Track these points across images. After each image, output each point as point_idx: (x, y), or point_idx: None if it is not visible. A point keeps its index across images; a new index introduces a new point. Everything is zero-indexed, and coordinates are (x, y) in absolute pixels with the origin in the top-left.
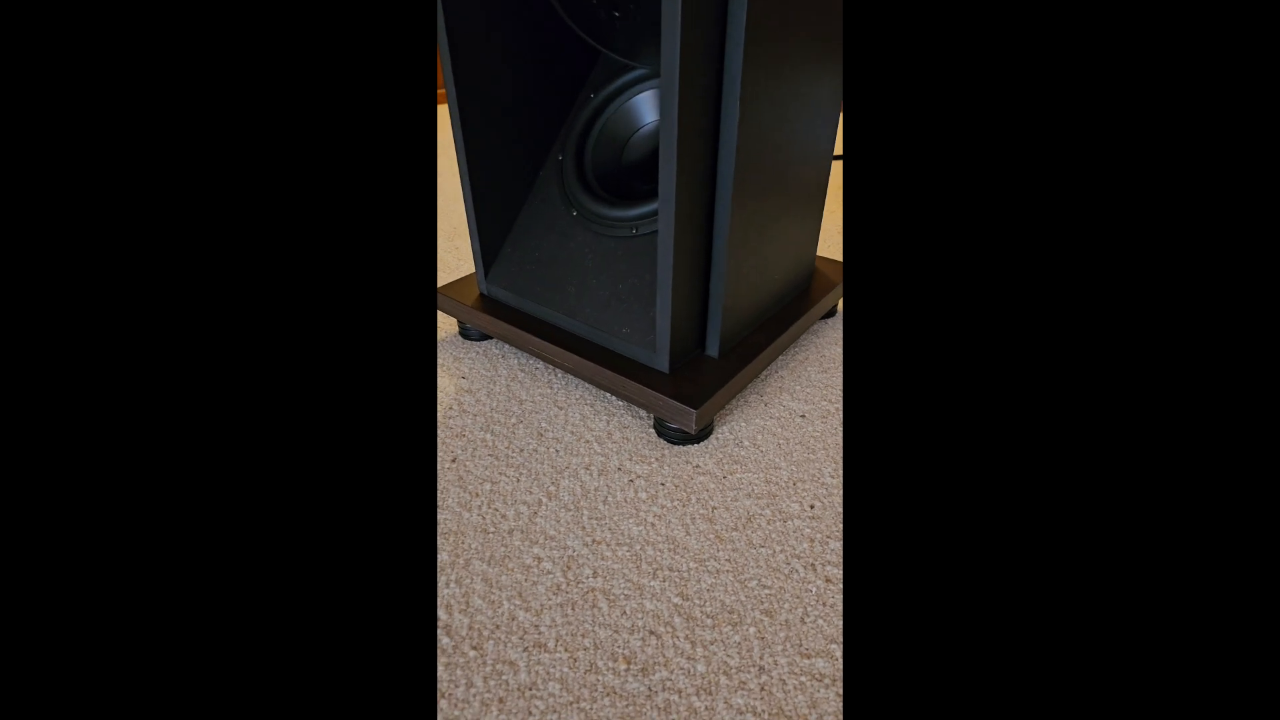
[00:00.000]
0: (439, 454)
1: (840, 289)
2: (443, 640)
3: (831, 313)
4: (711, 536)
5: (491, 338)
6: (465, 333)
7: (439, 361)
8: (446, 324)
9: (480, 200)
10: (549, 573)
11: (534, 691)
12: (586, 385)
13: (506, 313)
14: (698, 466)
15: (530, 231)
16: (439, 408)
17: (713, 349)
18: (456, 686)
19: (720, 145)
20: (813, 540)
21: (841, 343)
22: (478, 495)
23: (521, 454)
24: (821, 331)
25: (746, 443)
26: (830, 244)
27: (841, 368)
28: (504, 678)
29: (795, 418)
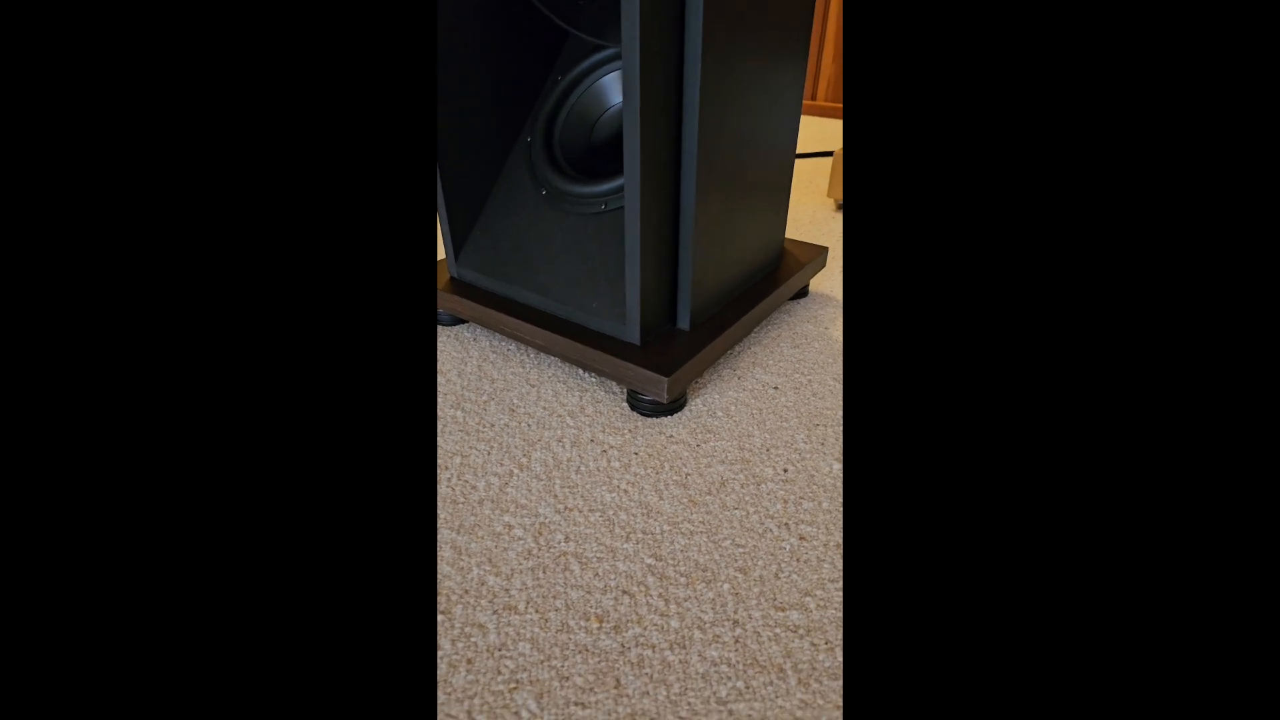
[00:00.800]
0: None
1: (808, 271)
2: None
3: (803, 293)
4: (685, 501)
5: (464, 322)
6: (437, 318)
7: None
8: None
9: (449, 185)
10: (519, 539)
11: (503, 652)
12: (559, 364)
13: (478, 295)
14: (671, 436)
15: (500, 214)
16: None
17: (683, 322)
18: None
19: (684, 119)
20: (786, 501)
21: (814, 320)
22: (446, 469)
23: (492, 429)
24: (793, 310)
25: (720, 413)
26: (798, 231)
27: (814, 344)
28: (472, 639)
29: (768, 390)
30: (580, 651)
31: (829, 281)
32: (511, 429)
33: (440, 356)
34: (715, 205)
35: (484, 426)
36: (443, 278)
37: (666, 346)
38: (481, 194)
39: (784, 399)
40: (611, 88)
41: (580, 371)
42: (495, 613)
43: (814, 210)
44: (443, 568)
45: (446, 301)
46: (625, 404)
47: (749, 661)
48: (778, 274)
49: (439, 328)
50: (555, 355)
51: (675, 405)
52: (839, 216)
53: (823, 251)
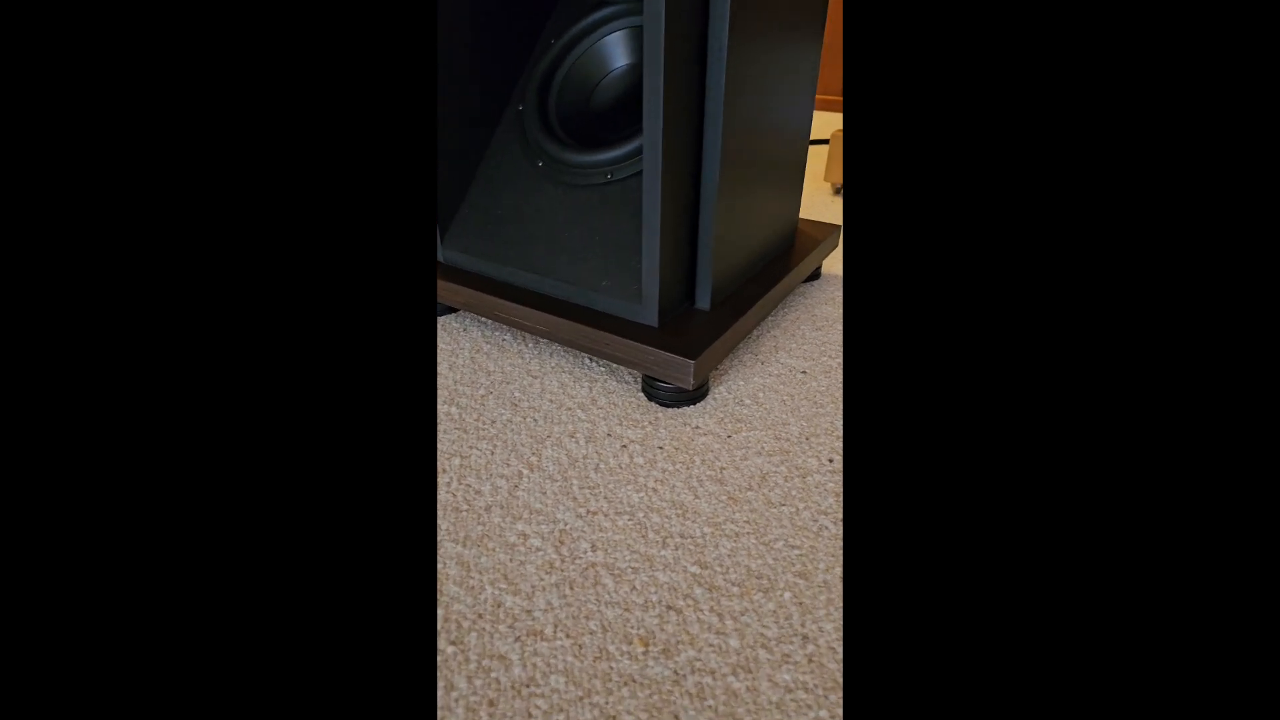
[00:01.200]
0: None
1: (823, 249)
2: None
3: (815, 275)
4: (724, 498)
5: (453, 310)
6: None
7: None
8: None
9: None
10: (538, 550)
11: (532, 689)
12: (563, 352)
13: (468, 279)
14: (697, 427)
15: (489, 190)
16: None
17: (703, 301)
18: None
19: (708, 80)
20: (837, 495)
21: (833, 302)
22: (444, 471)
23: (494, 426)
24: (808, 293)
25: (748, 401)
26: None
27: (837, 326)
28: (493, 675)
29: (796, 374)
30: (627, 683)
31: (841, 264)
32: (515, 425)
33: None
34: (737, 175)
35: (484, 424)
36: None
37: (687, 327)
38: (467, 168)
39: (815, 383)
40: (614, 49)
41: (587, 360)
42: (518, 640)
43: (811, 194)
44: (449, 587)
45: None
46: (641, 394)
47: (830, 684)
48: (792, 253)
49: None
50: (560, 342)
51: (698, 393)
52: (838, 200)
53: (835, 230)
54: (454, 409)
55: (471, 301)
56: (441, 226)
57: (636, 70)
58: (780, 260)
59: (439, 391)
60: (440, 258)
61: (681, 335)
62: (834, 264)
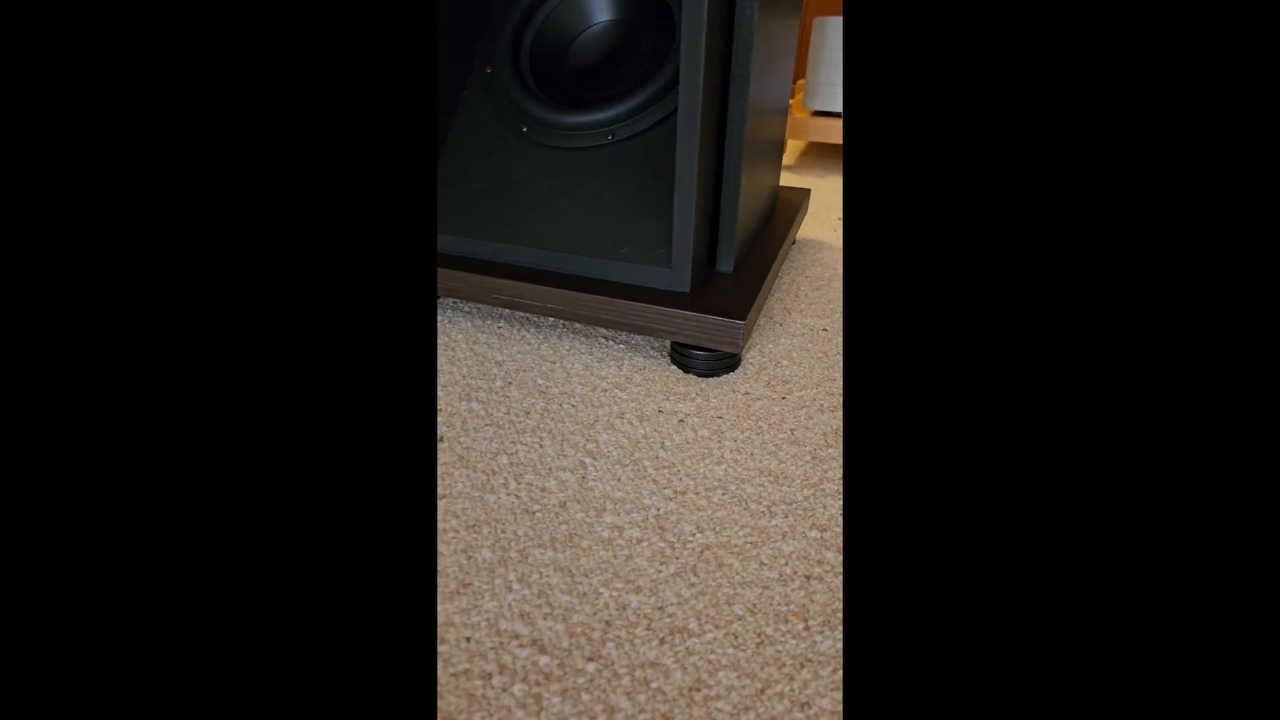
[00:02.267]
0: None
1: (803, 212)
2: (540, 662)
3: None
4: (808, 459)
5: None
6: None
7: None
8: None
9: None
10: (640, 540)
11: (704, 691)
12: (571, 332)
13: (450, 262)
14: (748, 393)
15: (462, 161)
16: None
17: (725, 264)
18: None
19: (735, 44)
20: None
21: (820, 263)
22: (495, 472)
23: (529, 417)
24: (792, 256)
25: (785, 362)
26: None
27: (834, 284)
28: (654, 685)
29: (818, 332)
30: (803, 664)
31: (809, 226)
32: (554, 414)
33: None
34: (752, 138)
35: (517, 416)
36: None
37: (720, 290)
38: (436, 141)
39: (840, 339)
40: (589, 3)
41: (602, 337)
42: (663, 642)
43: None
44: (558, 598)
45: None
46: (672, 366)
47: None
48: (777, 217)
49: None
50: (576, 319)
51: (732, 360)
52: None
53: (806, 194)
54: (475, 404)
55: (458, 286)
56: None
57: (620, 27)
58: (772, 223)
59: (450, 389)
60: None
61: (721, 298)
62: (807, 228)
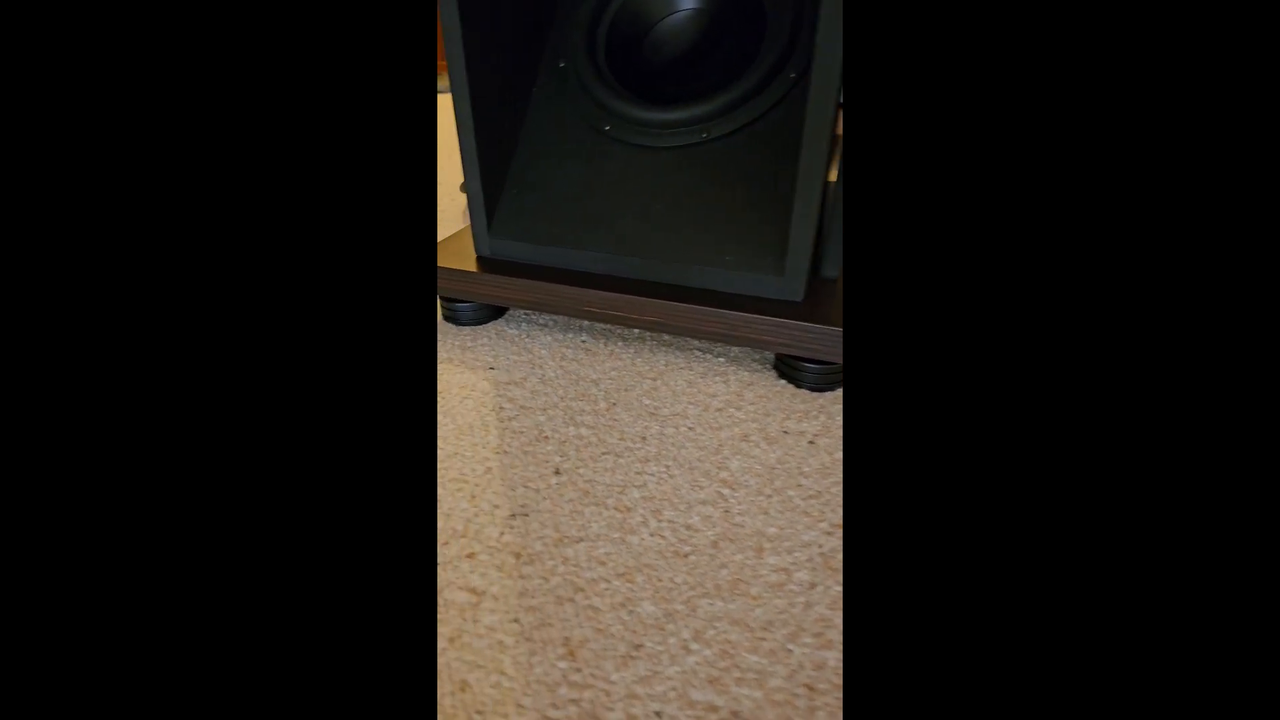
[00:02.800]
0: (532, 468)
1: None
2: None
3: None
4: None
5: (502, 313)
6: (454, 315)
7: (440, 355)
8: None
9: (482, 129)
10: (815, 585)
11: None
12: (663, 345)
13: (526, 271)
14: None
15: (539, 164)
16: (487, 412)
17: (831, 269)
18: None
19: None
20: None
21: None
22: (629, 509)
23: (646, 442)
24: None
25: None
26: None
27: None
28: None
29: None
30: None
31: None
32: (671, 438)
33: (498, 361)
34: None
35: (632, 442)
36: (464, 259)
37: (830, 299)
38: (506, 142)
39: None
40: None
41: (697, 350)
42: None
43: None
44: (744, 658)
45: (482, 289)
46: (781, 381)
47: None
48: None
49: (459, 328)
50: (675, 331)
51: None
52: None
53: None
54: (583, 429)
55: (544, 299)
56: (488, 211)
57: (706, 15)
58: None
59: (551, 410)
60: (484, 251)
61: (836, 306)
62: None
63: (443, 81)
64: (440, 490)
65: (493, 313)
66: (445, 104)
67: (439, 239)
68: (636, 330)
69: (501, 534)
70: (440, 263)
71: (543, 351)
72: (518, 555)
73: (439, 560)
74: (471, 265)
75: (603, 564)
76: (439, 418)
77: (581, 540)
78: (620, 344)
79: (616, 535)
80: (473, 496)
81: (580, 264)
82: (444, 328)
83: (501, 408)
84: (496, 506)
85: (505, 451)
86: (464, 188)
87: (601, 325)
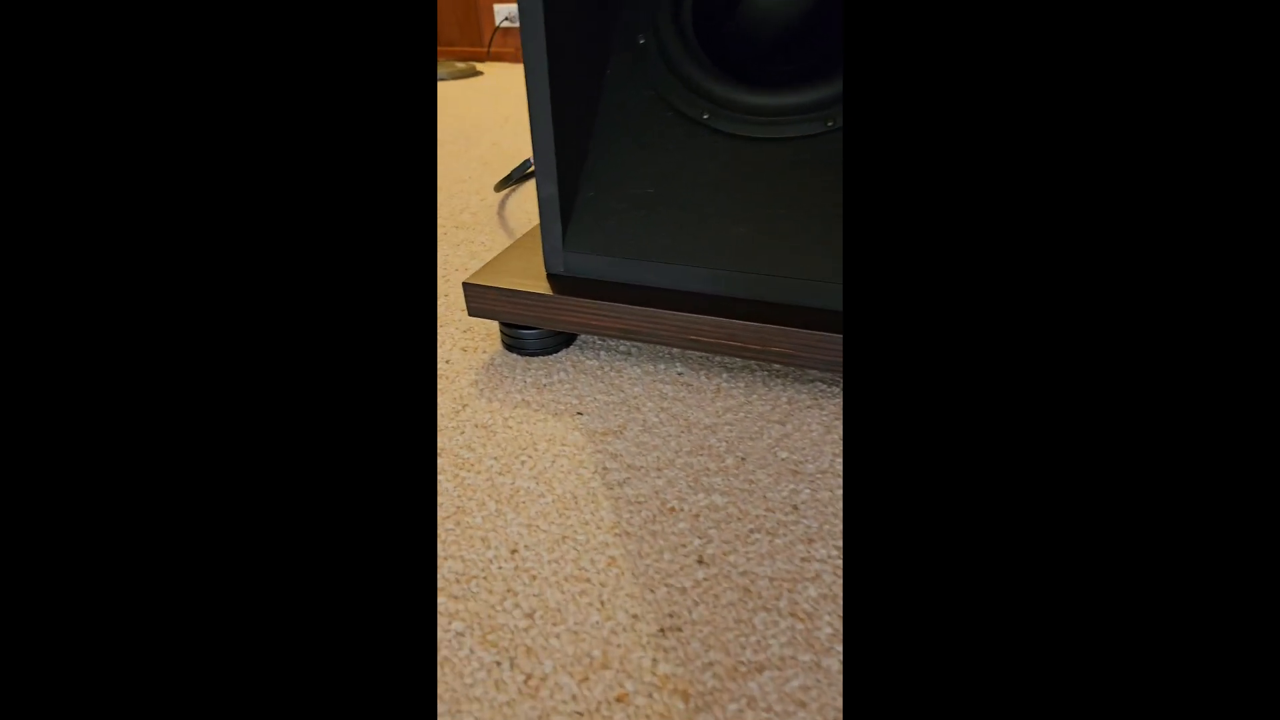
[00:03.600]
0: (669, 557)
1: None
2: None
3: None
4: None
5: (568, 343)
6: (518, 344)
7: (509, 397)
8: (476, 336)
9: (560, 118)
10: None
11: None
12: (776, 376)
13: (620, 293)
14: None
15: (620, 161)
16: (589, 475)
17: None
18: None
19: None
20: None
21: None
22: (811, 615)
23: (799, 513)
24: None
25: None
26: None
27: None
28: None
29: None
30: None
31: None
32: (827, 506)
33: (587, 404)
34: None
35: (783, 514)
36: (532, 279)
37: None
38: (580, 136)
39: None
40: None
41: (820, 383)
42: None
43: None
44: None
45: (560, 314)
46: None
47: None
48: None
49: (523, 358)
50: (808, 364)
51: None
52: None
53: None
54: (716, 497)
55: (633, 325)
56: (564, 219)
57: None
58: None
59: (672, 473)
60: (557, 269)
61: None
62: None
63: (441, 69)
64: (558, 593)
65: (564, 339)
66: (444, 95)
67: (497, 253)
68: (739, 359)
69: (655, 662)
70: (498, 283)
71: (635, 389)
72: (685, 696)
73: (579, 707)
74: (543, 286)
75: (803, 705)
76: (530, 482)
77: (765, 669)
78: (724, 376)
79: (808, 658)
80: (602, 603)
81: (681, 282)
82: (508, 360)
83: (606, 468)
84: (636, 618)
85: (626, 533)
86: (499, 186)
87: (696, 354)
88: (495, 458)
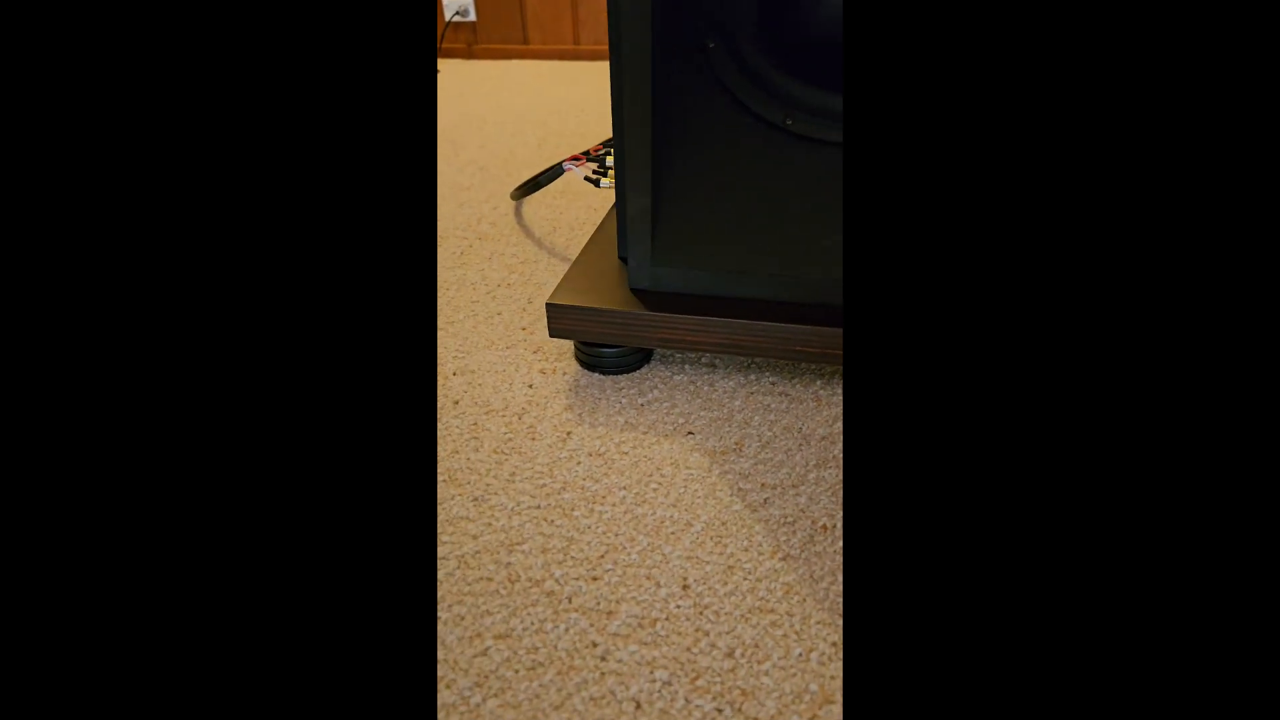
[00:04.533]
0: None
1: None
2: None
3: None
4: None
5: (647, 359)
6: (597, 362)
7: (612, 420)
8: (549, 356)
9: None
10: None
11: None
12: None
13: (713, 306)
14: None
15: (700, 169)
16: (728, 497)
17: None
18: None
19: None
20: None
21: None
22: None
23: None
24: None
25: None
26: None
27: None
28: None
29: None
30: None
31: None
32: None
33: (695, 422)
34: None
35: None
36: (610, 295)
37: None
38: (658, 142)
39: None
40: None
41: None
42: None
43: None
44: None
45: (650, 331)
46: None
47: None
48: None
49: (607, 379)
50: None
51: None
52: None
53: None
54: None
55: (735, 339)
56: (654, 231)
57: None
58: None
59: (809, 485)
60: (642, 284)
61: None
62: None
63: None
64: (750, 628)
65: (643, 355)
66: (443, 87)
67: (528, 264)
68: (828, 365)
69: None
70: (583, 301)
71: (735, 403)
72: None
73: None
74: (631, 302)
75: None
76: (670, 510)
77: None
78: (819, 384)
79: None
80: (798, 634)
81: (776, 293)
82: (593, 380)
83: (741, 489)
84: (837, 646)
85: (790, 555)
86: (516, 194)
87: (784, 362)
88: (624, 488)
